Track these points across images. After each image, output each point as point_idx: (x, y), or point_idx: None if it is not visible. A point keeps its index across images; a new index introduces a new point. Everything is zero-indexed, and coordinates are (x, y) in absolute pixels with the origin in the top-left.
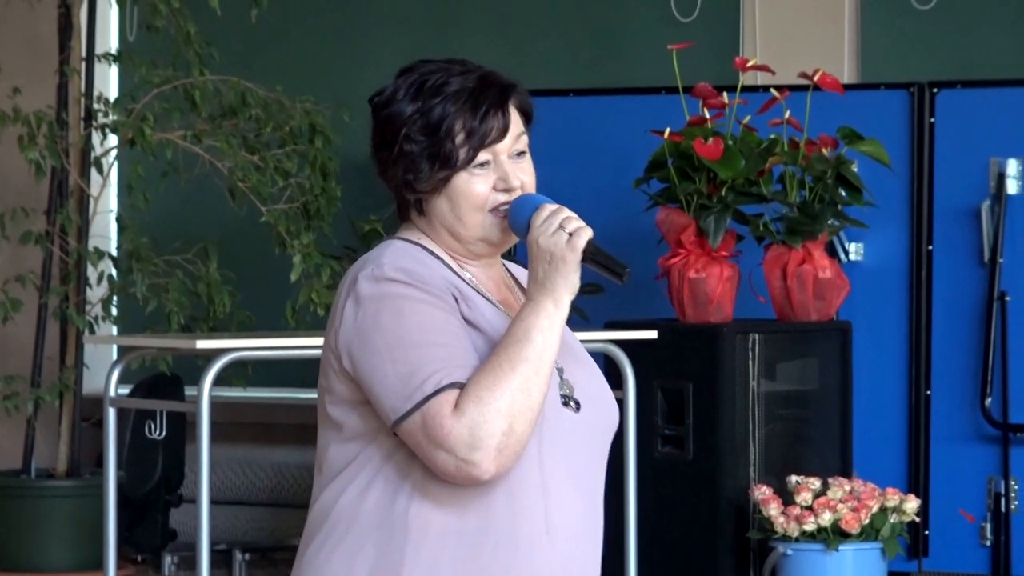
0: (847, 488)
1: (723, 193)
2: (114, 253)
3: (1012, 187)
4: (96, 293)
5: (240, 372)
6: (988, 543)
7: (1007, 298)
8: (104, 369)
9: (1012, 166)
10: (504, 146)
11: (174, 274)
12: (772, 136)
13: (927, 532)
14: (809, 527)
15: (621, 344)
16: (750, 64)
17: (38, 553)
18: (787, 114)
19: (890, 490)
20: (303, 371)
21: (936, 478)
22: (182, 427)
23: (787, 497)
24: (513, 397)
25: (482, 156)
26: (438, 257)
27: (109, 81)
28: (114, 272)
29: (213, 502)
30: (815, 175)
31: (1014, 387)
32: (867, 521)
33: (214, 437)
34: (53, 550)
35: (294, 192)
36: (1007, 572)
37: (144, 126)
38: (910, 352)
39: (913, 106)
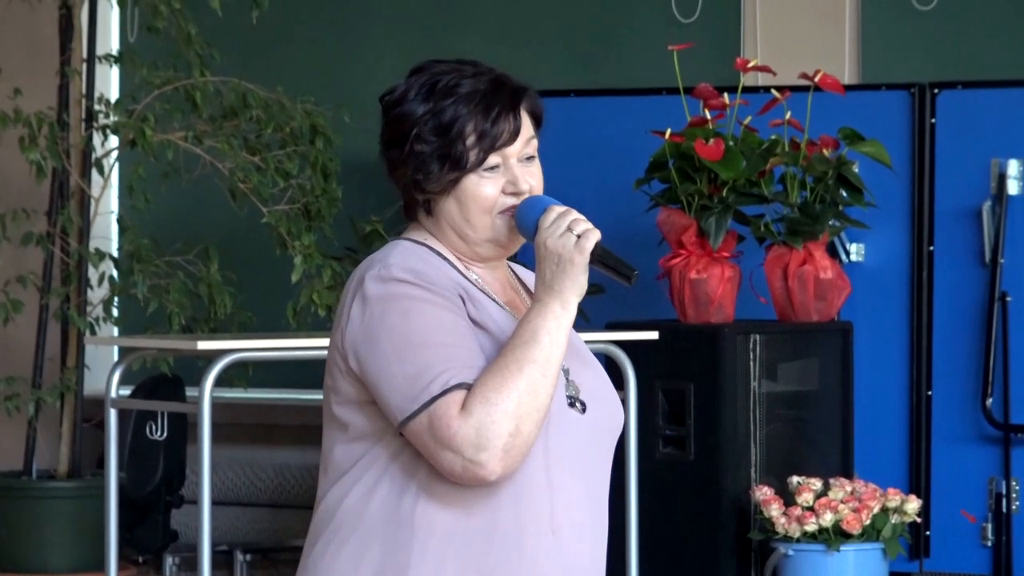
0: (848, 489)
1: (724, 194)
2: (115, 254)
3: (1013, 187)
4: (97, 294)
5: (241, 373)
6: (989, 544)
7: (1008, 298)
8: (105, 370)
9: (1013, 166)
10: (514, 149)
11: (175, 275)
12: (773, 137)
13: (928, 533)
14: (810, 528)
15: (622, 345)
16: (751, 65)
17: (39, 554)
18: (788, 115)
19: (891, 491)
20: (304, 372)
21: (937, 479)
22: (183, 428)
23: (788, 498)
24: (520, 398)
25: (492, 159)
26: (444, 258)
27: (110, 82)
28: (115, 273)
29: (214, 503)
30: (816, 176)
31: (1015, 387)
32: (868, 522)
33: (215, 438)
34: (54, 551)
35: (295, 193)
36: (1008, 573)
37: (145, 127)
38: (911, 353)
39: (914, 107)
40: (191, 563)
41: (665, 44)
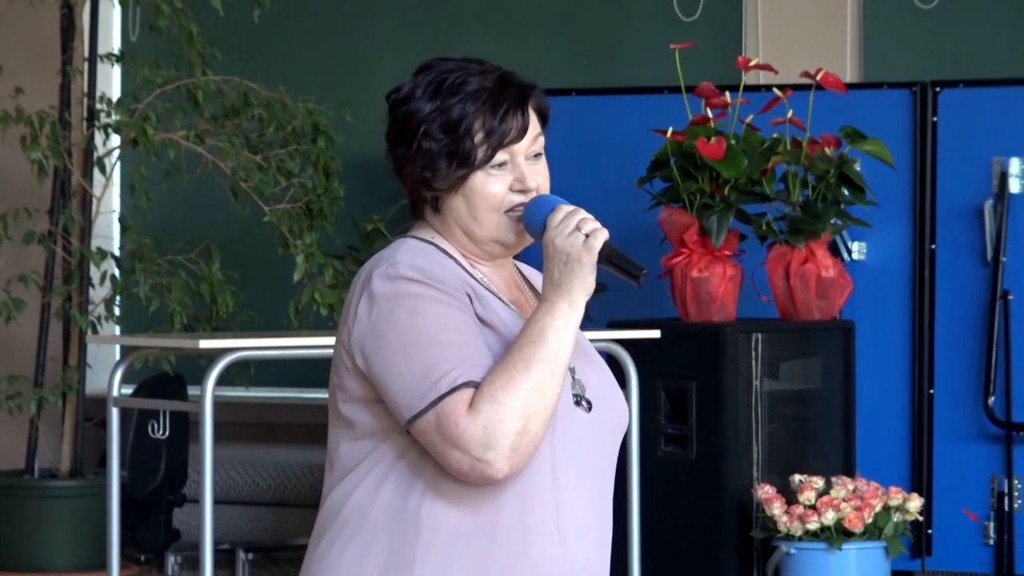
0: (850, 487)
1: (726, 192)
2: (117, 253)
3: (1015, 186)
4: (99, 293)
5: (243, 372)
6: (991, 542)
7: (1010, 297)
8: (107, 369)
9: (1015, 165)
10: (522, 147)
11: (177, 274)
12: (775, 135)
13: (930, 531)
14: (812, 526)
15: (624, 343)
16: (752, 63)
17: (41, 553)
18: (790, 113)
19: (893, 489)
20: (306, 371)
21: (939, 477)
22: (185, 427)
23: (790, 496)
24: (528, 397)
25: (500, 156)
26: (451, 256)
27: (112, 81)
28: (117, 272)
29: (216, 502)
30: (818, 174)
31: (1017, 386)
32: (870, 520)
33: (217, 437)
34: (56, 550)
35: (297, 192)
36: (1010, 571)
37: (147, 126)
38: (913, 351)
39: (916, 105)
40: (193, 562)
41: (667, 43)
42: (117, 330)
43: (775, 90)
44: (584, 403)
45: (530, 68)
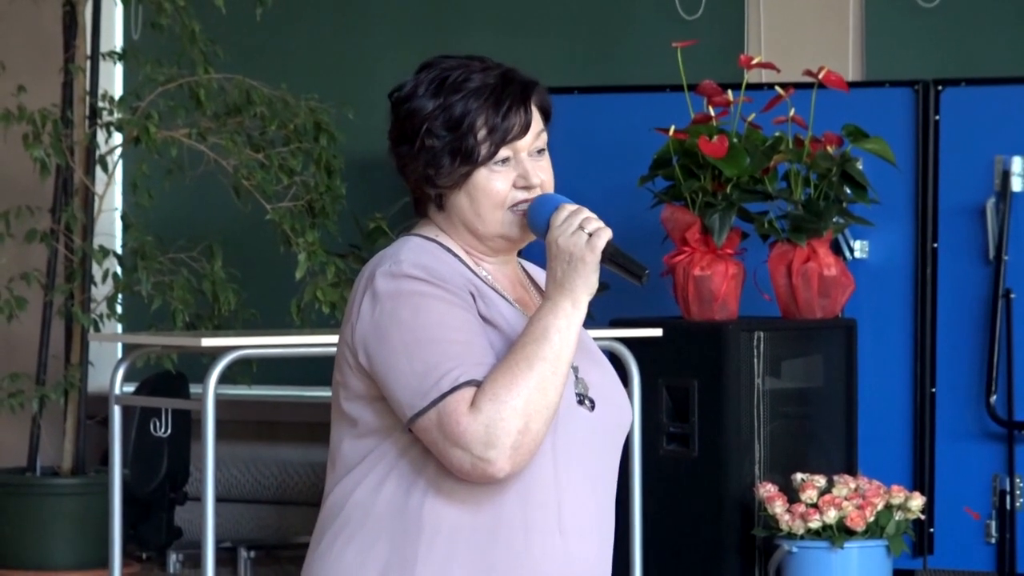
0: (852, 485)
1: (728, 191)
2: (119, 251)
3: (1017, 184)
4: (101, 291)
5: (245, 370)
6: (993, 540)
7: (1012, 295)
8: (109, 367)
9: (1017, 163)
10: (525, 143)
11: (179, 272)
12: (777, 134)
13: (932, 530)
14: (814, 524)
15: (626, 342)
16: (755, 62)
17: (43, 551)
18: (792, 112)
19: (895, 487)
20: (308, 369)
21: (941, 476)
22: (187, 425)
23: (792, 494)
24: (530, 396)
25: (503, 152)
26: (455, 254)
27: (114, 79)
28: (119, 270)
29: (218, 500)
30: (820, 173)
31: (1019, 385)
32: (872, 519)
33: (219, 435)
34: (58, 548)
35: (299, 190)
36: (1012, 569)
37: (149, 124)
38: (915, 349)
39: (918, 104)
40: (195, 560)
41: (669, 41)
42: (119, 328)
43: (777, 88)
44: (587, 402)
45: (532, 66)
